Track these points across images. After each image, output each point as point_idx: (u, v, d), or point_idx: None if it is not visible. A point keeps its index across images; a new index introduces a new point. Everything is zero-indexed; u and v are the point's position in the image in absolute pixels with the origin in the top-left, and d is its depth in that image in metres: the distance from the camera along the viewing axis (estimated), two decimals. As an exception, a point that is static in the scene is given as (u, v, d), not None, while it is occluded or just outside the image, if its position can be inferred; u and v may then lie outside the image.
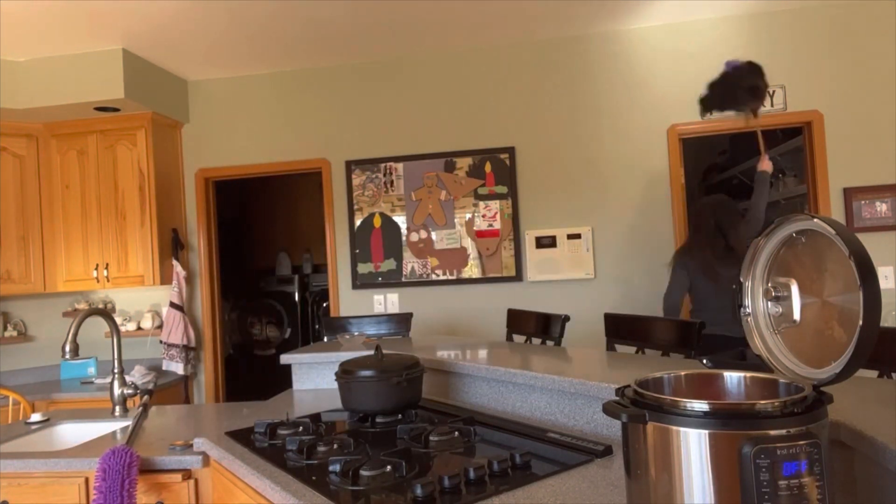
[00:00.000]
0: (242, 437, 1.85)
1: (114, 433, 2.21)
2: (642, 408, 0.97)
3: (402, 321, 3.09)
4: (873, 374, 1.71)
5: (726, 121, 3.82)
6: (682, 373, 1.13)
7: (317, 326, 6.12)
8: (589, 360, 1.99)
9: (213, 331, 4.37)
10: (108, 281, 4.00)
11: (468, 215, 4.05)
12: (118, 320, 4.21)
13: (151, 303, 4.36)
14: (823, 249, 1.03)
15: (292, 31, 3.63)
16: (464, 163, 4.07)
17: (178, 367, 4.06)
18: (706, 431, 0.89)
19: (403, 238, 4.12)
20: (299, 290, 6.14)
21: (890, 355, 1.67)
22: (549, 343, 2.77)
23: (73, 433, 2.45)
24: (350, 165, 4.19)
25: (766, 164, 3.32)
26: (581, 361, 1.98)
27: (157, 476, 1.89)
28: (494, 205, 4.03)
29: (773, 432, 0.87)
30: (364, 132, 4.22)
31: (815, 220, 1.02)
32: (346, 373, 1.90)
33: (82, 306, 4.26)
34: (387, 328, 3.09)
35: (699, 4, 3.64)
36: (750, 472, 0.85)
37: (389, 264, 4.13)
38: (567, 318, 2.71)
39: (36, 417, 2.47)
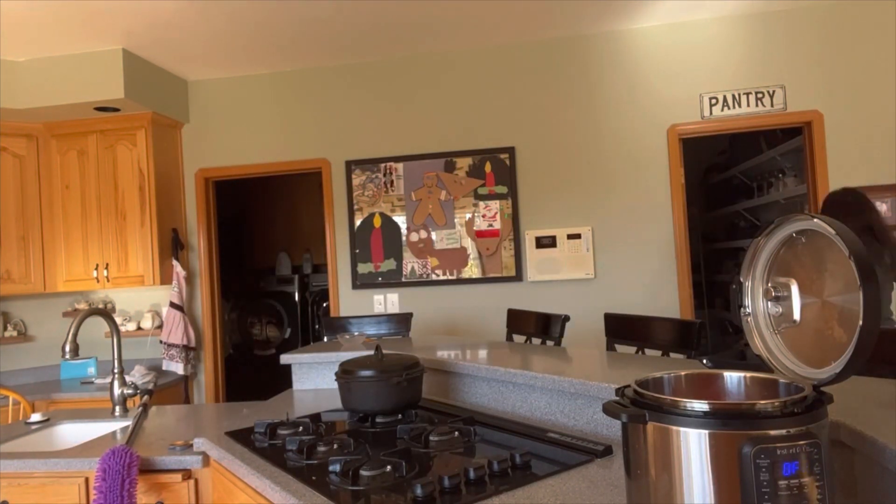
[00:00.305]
0: (242, 437, 1.84)
1: (114, 433, 2.21)
2: (642, 408, 0.97)
3: (402, 321, 3.09)
4: (873, 374, 1.71)
5: (726, 120, 3.82)
6: (682, 373, 1.13)
7: (317, 326, 6.12)
8: (589, 360, 1.99)
9: (213, 331, 4.37)
10: (108, 281, 4.00)
11: (468, 215, 4.05)
12: (118, 320, 4.21)
13: (151, 303, 4.36)
14: (823, 249, 1.03)
15: (292, 30, 3.63)
16: (464, 163, 4.06)
17: (178, 367, 4.06)
18: (706, 431, 0.89)
19: (403, 238, 4.12)
20: (299, 290, 6.14)
21: (890, 355, 1.67)
22: (549, 343, 2.77)
23: (73, 433, 2.45)
24: (350, 165, 4.19)
25: None
26: (581, 361, 1.98)
27: (157, 476, 1.89)
28: (494, 205, 4.03)
29: (773, 432, 0.87)
30: (364, 132, 4.22)
31: (815, 220, 1.02)
32: (346, 373, 1.90)
33: (82, 306, 4.26)
34: (387, 328, 3.09)
35: (699, 4, 3.64)
36: (750, 472, 0.85)
37: (389, 264, 4.13)
38: (567, 318, 2.71)
39: (36, 417, 2.47)
